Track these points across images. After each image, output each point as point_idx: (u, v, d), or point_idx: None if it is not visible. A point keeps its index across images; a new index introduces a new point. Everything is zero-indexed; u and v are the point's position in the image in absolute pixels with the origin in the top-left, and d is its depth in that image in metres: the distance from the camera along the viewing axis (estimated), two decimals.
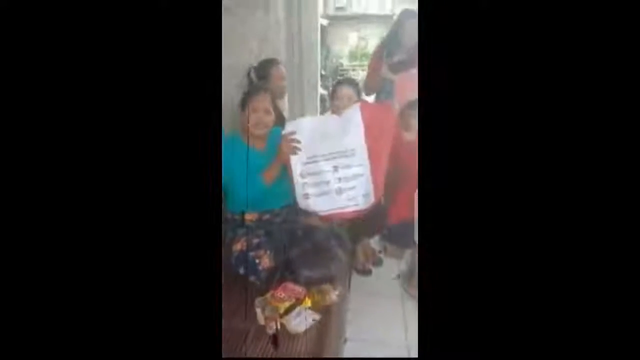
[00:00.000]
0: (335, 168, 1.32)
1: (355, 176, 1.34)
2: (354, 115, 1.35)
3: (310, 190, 1.35)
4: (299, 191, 1.35)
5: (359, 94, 1.68)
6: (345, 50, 4.28)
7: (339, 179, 1.34)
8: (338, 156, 1.32)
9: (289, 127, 1.35)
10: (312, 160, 1.34)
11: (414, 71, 1.57)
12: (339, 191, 1.35)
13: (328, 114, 1.42)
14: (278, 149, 1.30)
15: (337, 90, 1.66)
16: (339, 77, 3.44)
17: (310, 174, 1.34)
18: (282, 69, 1.69)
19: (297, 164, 1.34)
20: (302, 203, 1.37)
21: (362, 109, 1.36)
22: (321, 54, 3.30)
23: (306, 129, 1.35)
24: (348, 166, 1.33)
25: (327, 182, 1.34)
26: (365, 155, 1.33)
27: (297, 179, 1.34)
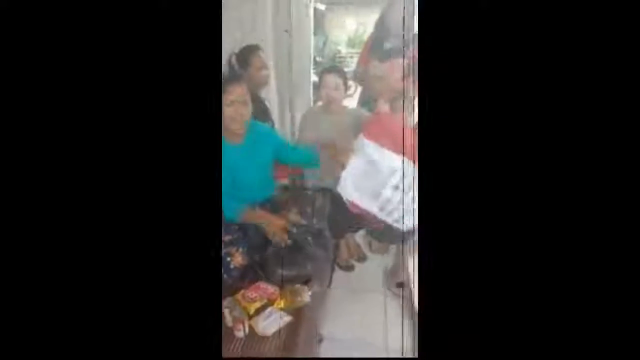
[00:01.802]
0: (396, 187, 1.29)
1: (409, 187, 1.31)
2: (364, 147, 1.30)
3: (396, 215, 1.31)
4: (389, 220, 1.31)
5: (346, 83, 1.61)
6: (344, 37, 4.15)
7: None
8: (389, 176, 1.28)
9: (340, 190, 1.31)
10: (377, 193, 1.30)
11: (401, 61, 1.50)
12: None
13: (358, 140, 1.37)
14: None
15: (323, 79, 1.60)
16: (335, 65, 3.34)
17: (385, 202, 1.31)
18: (263, 55, 1.61)
19: (368, 205, 1.31)
20: (400, 226, 1.33)
21: (368, 137, 1.31)
22: (317, 40, 3.19)
23: (352, 182, 1.32)
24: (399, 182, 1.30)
25: (400, 201, 1.29)
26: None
27: (382, 215, 1.31)
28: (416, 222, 1.29)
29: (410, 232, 1.27)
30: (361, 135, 1.34)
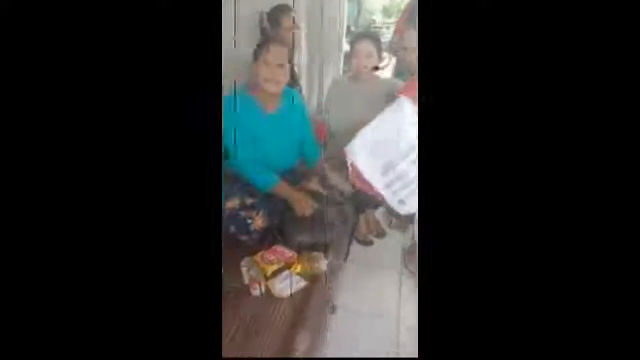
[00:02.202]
0: (415, 161, 1.18)
1: None
2: (403, 106, 1.19)
3: (403, 194, 1.23)
4: (392, 201, 1.24)
5: (380, 51, 1.52)
6: (379, 5, 3.93)
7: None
8: (412, 150, 1.18)
9: (350, 153, 1.23)
10: (391, 166, 1.22)
11: None
12: None
13: (386, 111, 1.25)
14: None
15: (355, 46, 1.50)
16: (370, 32, 3.14)
17: (394, 180, 1.22)
18: (294, 16, 1.53)
19: (376, 178, 1.23)
20: (400, 209, 1.26)
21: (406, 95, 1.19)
22: (351, 8, 3.03)
23: (367, 145, 1.23)
24: None
25: (414, 179, 1.20)
26: None
27: (385, 191, 1.23)
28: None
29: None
30: (401, 95, 1.22)
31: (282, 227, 1.18)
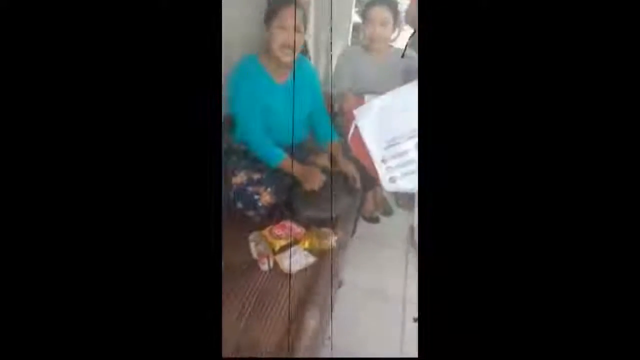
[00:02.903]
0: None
1: None
2: None
3: (396, 173, 1.26)
4: (383, 176, 1.26)
5: (396, 19, 1.41)
6: None
7: None
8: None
9: (359, 115, 1.20)
10: (394, 142, 1.23)
11: None
12: None
13: (406, 86, 1.23)
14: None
15: (368, 12, 1.40)
16: None
17: (393, 157, 1.24)
18: None
19: (375, 149, 1.24)
20: (388, 187, 1.28)
21: None
22: None
23: (377, 112, 1.22)
24: None
25: (412, 161, 1.23)
26: None
27: (379, 165, 1.25)
28: (415, 186, 1.24)
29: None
30: None
31: (290, 203, 1.15)
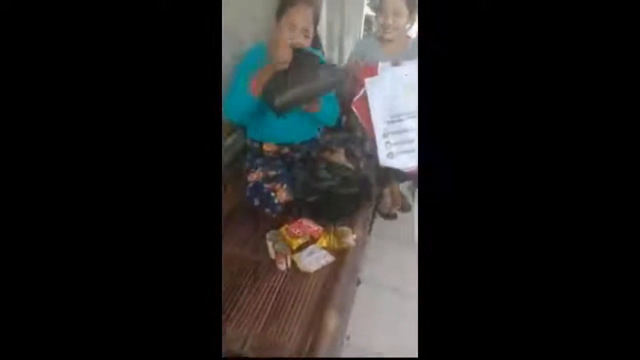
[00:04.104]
0: None
1: None
2: None
3: (394, 149, 1.27)
4: (382, 150, 1.27)
5: (412, 8, 1.36)
6: None
7: None
8: None
9: (368, 85, 1.21)
10: (397, 119, 1.25)
11: None
12: None
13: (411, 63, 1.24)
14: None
15: (381, 2, 1.35)
16: None
17: (394, 133, 1.26)
18: None
19: (379, 122, 1.26)
20: (385, 161, 1.29)
21: None
22: None
23: (387, 85, 1.23)
24: None
25: (411, 141, 1.25)
26: None
27: (379, 139, 1.27)
28: (413, 164, 1.24)
29: None
30: None
31: (305, 200, 1.13)
